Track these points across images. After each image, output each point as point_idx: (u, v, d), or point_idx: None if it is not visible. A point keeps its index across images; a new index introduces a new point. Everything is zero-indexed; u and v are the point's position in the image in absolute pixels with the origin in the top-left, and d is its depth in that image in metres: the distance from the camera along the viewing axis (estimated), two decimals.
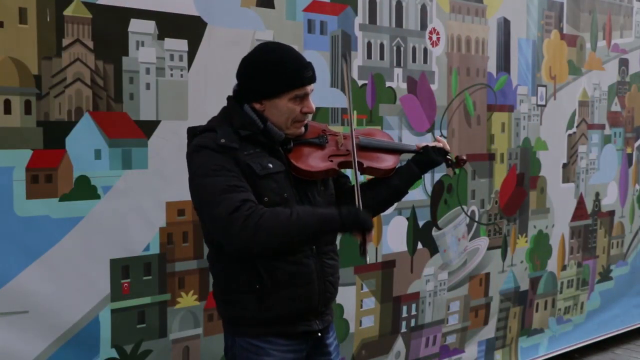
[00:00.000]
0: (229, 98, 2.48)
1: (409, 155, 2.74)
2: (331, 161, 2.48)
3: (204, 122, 3.08)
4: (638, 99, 5.68)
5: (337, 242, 2.64)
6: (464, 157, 2.76)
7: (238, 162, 2.29)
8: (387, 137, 2.77)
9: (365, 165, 2.55)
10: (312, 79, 2.40)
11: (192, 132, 2.43)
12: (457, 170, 2.95)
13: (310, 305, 2.43)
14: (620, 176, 5.57)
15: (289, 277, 2.37)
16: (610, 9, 5.34)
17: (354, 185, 2.44)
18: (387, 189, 2.66)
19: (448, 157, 2.72)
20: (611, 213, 5.51)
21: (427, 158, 2.69)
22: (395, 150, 2.69)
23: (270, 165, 2.34)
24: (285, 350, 2.43)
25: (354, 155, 2.44)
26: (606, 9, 5.31)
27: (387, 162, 2.62)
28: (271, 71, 2.34)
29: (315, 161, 2.44)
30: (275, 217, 2.21)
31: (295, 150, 2.44)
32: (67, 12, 2.77)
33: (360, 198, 2.37)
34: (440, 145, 2.71)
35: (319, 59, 3.53)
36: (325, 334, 2.56)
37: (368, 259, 2.33)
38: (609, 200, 5.48)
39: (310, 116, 2.49)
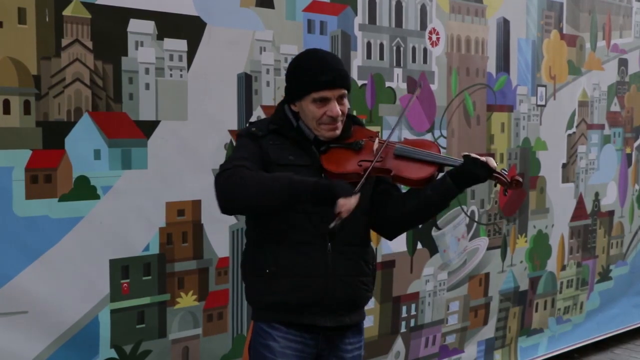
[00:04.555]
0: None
1: None
2: (360, 166, 2.47)
3: (203, 122, 3.14)
4: (637, 99, 5.68)
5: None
6: (520, 179, 2.48)
7: (261, 148, 2.46)
8: (436, 149, 2.61)
9: (392, 173, 2.48)
10: (329, 84, 2.43)
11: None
12: (506, 193, 2.57)
13: (315, 298, 2.45)
14: (619, 176, 5.57)
15: (293, 265, 2.44)
16: (609, 9, 5.34)
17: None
18: (416, 198, 2.53)
19: (496, 174, 2.47)
20: (611, 213, 5.51)
21: (464, 170, 2.45)
22: (435, 162, 2.51)
23: (291, 158, 2.46)
24: (291, 340, 2.48)
25: (376, 153, 2.47)
26: (606, 9, 5.30)
27: (420, 172, 2.48)
28: (295, 75, 2.52)
29: (342, 164, 2.50)
30: (253, 176, 2.33)
31: (329, 153, 2.52)
32: (66, 12, 2.76)
33: (361, 185, 2.31)
34: (484, 160, 2.45)
35: None
36: (341, 336, 2.55)
37: (330, 229, 2.24)
38: (609, 200, 5.48)
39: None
